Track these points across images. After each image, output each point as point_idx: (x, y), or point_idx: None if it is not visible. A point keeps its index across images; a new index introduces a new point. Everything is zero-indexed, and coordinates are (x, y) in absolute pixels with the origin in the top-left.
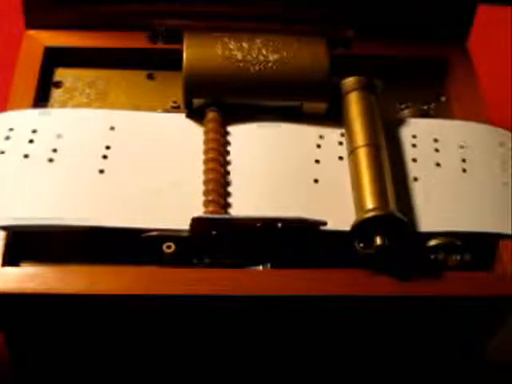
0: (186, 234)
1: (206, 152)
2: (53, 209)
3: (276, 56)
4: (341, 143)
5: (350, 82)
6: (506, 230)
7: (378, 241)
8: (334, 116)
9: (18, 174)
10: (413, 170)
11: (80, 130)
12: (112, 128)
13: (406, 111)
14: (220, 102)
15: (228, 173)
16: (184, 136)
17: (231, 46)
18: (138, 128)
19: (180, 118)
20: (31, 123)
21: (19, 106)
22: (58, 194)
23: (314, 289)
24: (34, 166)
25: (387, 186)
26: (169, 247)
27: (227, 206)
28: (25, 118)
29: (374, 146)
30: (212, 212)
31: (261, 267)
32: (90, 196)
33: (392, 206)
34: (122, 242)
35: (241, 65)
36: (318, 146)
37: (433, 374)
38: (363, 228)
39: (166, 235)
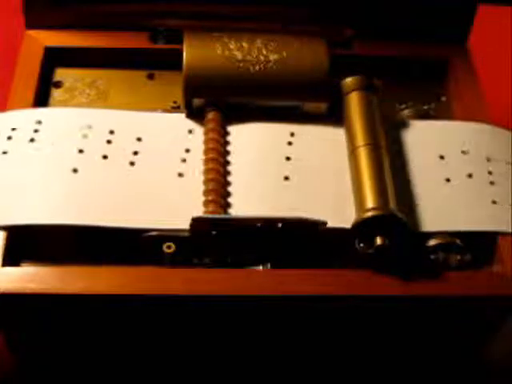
0: (186, 234)
1: (206, 152)
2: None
3: (276, 56)
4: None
5: (350, 82)
6: (506, 229)
7: (379, 241)
8: (335, 116)
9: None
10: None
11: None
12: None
13: (406, 111)
14: (220, 102)
15: (228, 173)
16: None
17: (231, 46)
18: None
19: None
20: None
21: (19, 106)
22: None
23: (315, 289)
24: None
25: (387, 185)
26: (169, 247)
27: (227, 205)
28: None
29: (374, 146)
30: (212, 212)
31: (261, 267)
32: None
33: (392, 205)
34: (122, 242)
35: (241, 65)
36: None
37: (433, 375)
38: (363, 228)
39: (165, 235)
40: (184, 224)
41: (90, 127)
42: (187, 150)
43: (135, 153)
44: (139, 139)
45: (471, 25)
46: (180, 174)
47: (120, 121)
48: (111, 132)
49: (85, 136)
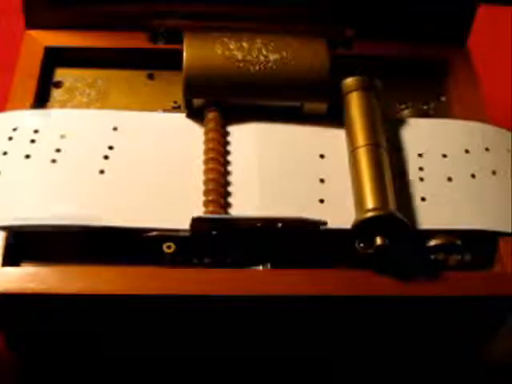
0: (186, 234)
1: (206, 152)
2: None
3: (276, 56)
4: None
5: (350, 82)
6: (506, 228)
7: (378, 241)
8: (335, 116)
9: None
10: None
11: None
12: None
13: (406, 111)
14: (220, 102)
15: (228, 173)
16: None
17: (231, 46)
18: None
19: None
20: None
21: (19, 106)
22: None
23: (314, 289)
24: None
25: (387, 185)
26: (169, 247)
27: (227, 205)
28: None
29: (374, 146)
30: (212, 212)
31: (261, 267)
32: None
33: (392, 205)
34: (121, 242)
35: (241, 65)
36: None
37: (432, 375)
38: (363, 228)
39: (166, 235)
40: (184, 224)
41: (15, 129)
42: (110, 148)
43: (58, 150)
44: (63, 136)
45: (471, 25)
46: (101, 171)
47: (45, 120)
48: (35, 131)
49: (10, 138)
